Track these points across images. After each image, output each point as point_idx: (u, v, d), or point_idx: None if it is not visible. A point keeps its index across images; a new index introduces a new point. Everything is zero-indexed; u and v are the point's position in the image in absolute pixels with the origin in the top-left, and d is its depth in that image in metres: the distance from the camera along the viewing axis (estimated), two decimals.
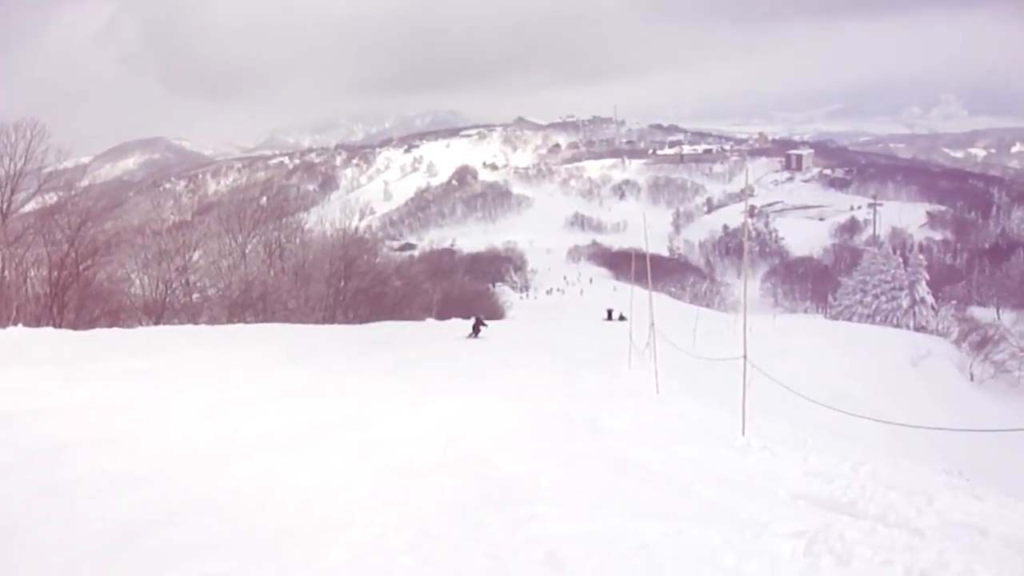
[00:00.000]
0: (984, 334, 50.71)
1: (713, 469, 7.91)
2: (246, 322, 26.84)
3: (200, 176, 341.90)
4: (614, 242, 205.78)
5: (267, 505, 5.84)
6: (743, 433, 9.60)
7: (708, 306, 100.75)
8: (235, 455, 7.24)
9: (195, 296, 30.70)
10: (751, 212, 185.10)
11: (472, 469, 7.21)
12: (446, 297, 53.45)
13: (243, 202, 43.77)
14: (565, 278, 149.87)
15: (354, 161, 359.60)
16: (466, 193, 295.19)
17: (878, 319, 67.52)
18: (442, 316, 39.44)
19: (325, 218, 40.88)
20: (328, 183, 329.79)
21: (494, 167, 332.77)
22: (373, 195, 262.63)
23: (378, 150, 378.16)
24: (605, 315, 48.10)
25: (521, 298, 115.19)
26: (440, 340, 22.79)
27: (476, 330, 27.29)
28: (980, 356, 47.25)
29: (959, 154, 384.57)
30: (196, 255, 31.95)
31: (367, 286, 36.50)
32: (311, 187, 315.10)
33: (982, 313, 76.22)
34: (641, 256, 18.34)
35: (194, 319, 27.26)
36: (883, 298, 69.54)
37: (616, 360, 18.29)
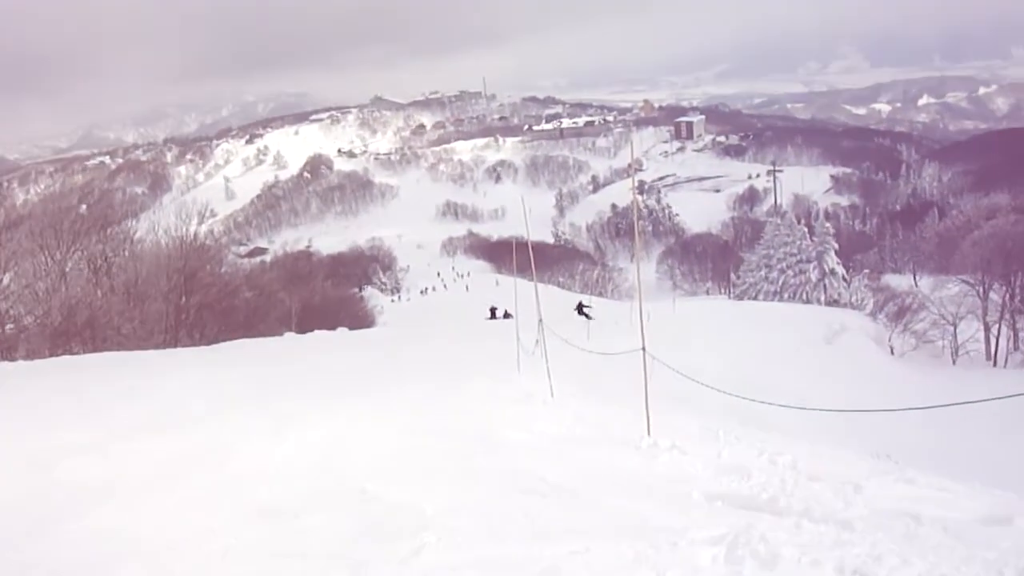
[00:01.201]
0: (902, 303, 52.63)
1: (620, 475, 8.02)
2: (72, 353, 25.89)
3: (5, 184, 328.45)
4: (492, 231, 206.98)
5: (113, 566, 5.62)
6: (648, 433, 9.76)
7: (601, 294, 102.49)
8: (72, 511, 6.91)
9: (8, 327, 29.40)
10: (641, 188, 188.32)
11: (348, 501, 7.11)
12: (306, 306, 52.69)
13: (59, 212, 41.85)
14: (439, 275, 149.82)
15: (188, 156, 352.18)
16: (321, 186, 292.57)
17: (786, 295, 69.51)
18: (303, 328, 38.85)
19: (158, 224, 39.49)
20: (159, 184, 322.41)
21: (351, 154, 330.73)
22: (213, 194, 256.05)
23: (215, 142, 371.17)
24: (488, 314, 48.29)
25: (393, 301, 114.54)
26: (302, 357, 22.47)
27: (585, 315, 29.68)
28: (899, 327, 49.03)
29: (862, 111, 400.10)
30: (7, 278, 30.63)
31: (213, 300, 35.58)
32: (139, 189, 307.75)
33: (898, 280, 79.14)
34: (523, 245, 18.38)
35: (10, 354, 26.11)
36: (790, 272, 71.57)
37: (504, 363, 18.35)
